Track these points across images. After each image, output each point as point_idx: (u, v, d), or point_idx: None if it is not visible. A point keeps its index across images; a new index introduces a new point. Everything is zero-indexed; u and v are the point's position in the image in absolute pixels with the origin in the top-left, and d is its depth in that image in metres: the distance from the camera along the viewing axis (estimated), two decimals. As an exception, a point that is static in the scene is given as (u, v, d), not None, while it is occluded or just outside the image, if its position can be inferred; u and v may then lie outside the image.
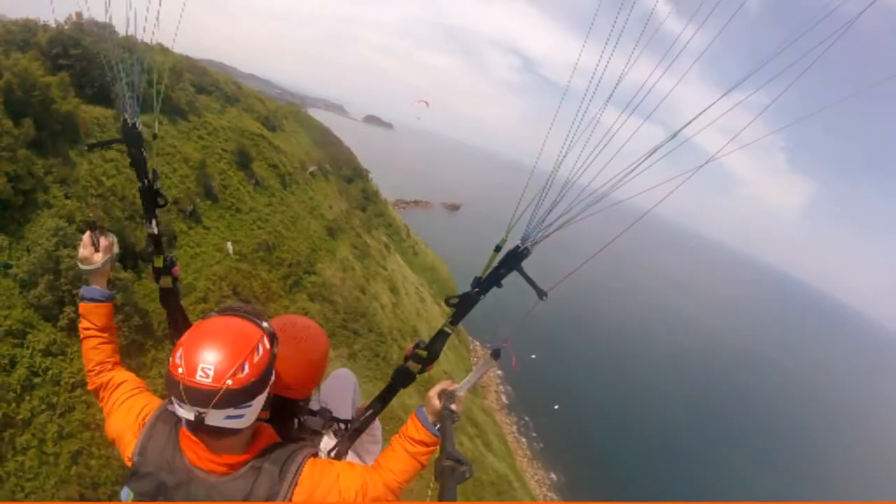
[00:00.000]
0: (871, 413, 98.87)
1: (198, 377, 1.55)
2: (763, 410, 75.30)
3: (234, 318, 1.75)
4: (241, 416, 1.65)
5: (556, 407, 50.26)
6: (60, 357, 13.94)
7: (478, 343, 54.82)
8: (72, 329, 14.26)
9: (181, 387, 1.56)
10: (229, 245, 25.97)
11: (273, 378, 1.77)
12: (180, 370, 1.57)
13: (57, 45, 23.60)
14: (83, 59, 23.86)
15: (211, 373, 1.56)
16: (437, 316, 47.73)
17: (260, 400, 1.70)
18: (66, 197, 17.79)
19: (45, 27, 24.46)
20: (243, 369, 1.60)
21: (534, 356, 48.89)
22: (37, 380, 13.29)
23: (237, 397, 1.60)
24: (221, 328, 1.69)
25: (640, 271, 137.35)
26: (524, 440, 46.21)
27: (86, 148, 20.50)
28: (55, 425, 12.97)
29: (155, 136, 2.54)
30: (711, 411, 67.92)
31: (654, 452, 52.38)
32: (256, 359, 1.65)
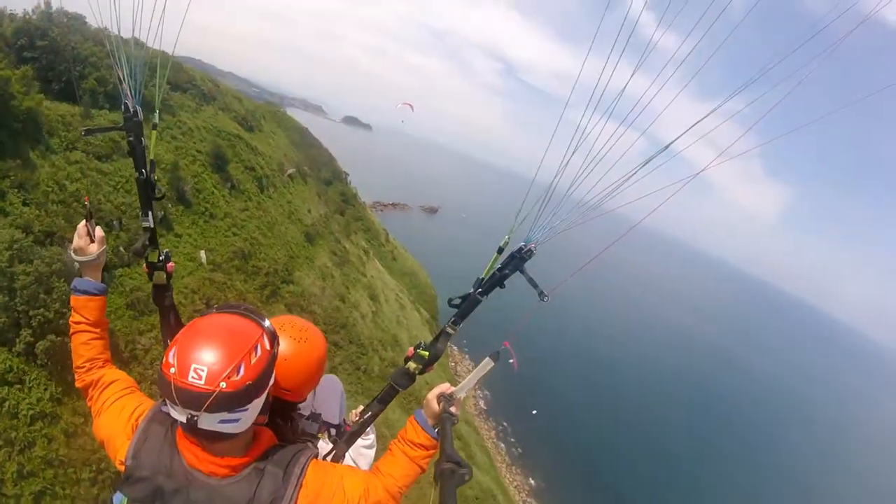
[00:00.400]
0: (851, 422, 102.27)
1: (190, 378, 1.45)
2: (743, 419, 76.92)
3: (233, 315, 1.64)
4: (236, 421, 1.54)
5: (535, 412, 50.41)
6: (18, 386, 12.72)
7: (456, 349, 54.49)
8: (29, 354, 13.13)
9: (172, 388, 1.46)
10: (202, 254, 24.78)
11: (273, 380, 1.67)
12: (172, 370, 1.47)
13: (23, 35, 22.22)
14: (50, 51, 22.56)
15: (204, 374, 1.45)
16: (417, 323, 47.09)
17: (257, 403, 1.60)
18: (24, 204, 16.47)
19: (12, 17, 23.08)
20: (239, 371, 1.49)
21: (511, 361, 48.83)
22: (-8, 413, 12.13)
23: (231, 401, 1.49)
24: (218, 326, 1.57)
25: (620, 278, 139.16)
26: (503, 446, 46.33)
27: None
28: (14, 463, 11.90)
29: (155, 127, 2.51)
30: (689, 416, 69.33)
31: (633, 457, 53.10)
32: (254, 360, 1.54)
